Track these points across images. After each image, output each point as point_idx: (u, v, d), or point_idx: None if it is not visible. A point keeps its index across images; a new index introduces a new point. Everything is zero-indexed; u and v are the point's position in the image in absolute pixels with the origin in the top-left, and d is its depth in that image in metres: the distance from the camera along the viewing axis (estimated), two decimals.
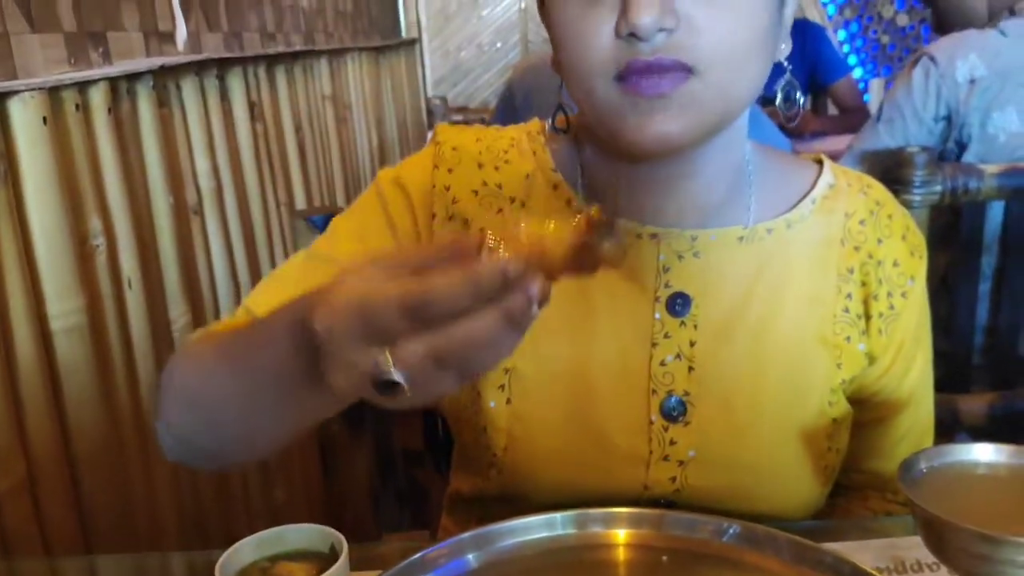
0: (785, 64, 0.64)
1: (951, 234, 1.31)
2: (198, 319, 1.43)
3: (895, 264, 0.69)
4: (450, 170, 0.69)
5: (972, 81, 1.35)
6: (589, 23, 0.56)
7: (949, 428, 1.27)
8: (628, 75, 0.55)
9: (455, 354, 0.38)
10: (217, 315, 1.52)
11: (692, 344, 0.66)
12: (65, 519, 1.06)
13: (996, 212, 1.34)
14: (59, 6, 1.13)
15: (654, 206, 0.66)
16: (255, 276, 1.70)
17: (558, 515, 0.61)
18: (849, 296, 0.68)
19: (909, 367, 0.72)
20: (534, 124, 0.72)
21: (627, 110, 0.56)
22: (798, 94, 0.68)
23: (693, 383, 0.66)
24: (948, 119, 1.38)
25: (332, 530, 0.56)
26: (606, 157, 0.66)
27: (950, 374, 1.31)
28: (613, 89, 0.56)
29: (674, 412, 0.66)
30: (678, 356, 0.66)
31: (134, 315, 1.22)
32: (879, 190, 0.72)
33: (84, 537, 1.09)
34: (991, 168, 1.17)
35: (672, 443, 0.66)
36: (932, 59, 1.39)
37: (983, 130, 1.36)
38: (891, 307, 0.69)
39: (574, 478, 0.67)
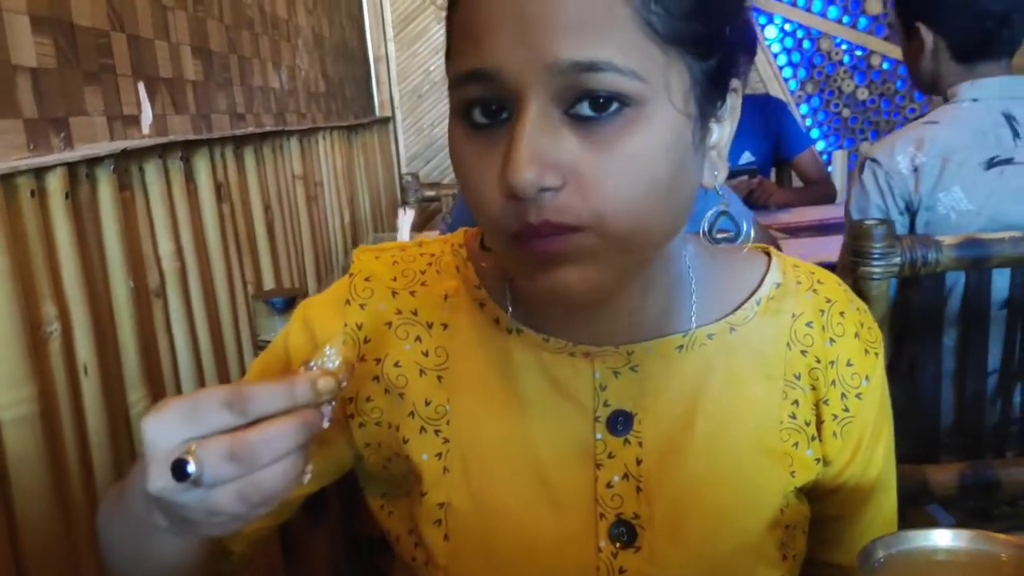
0: (719, 193, 0.59)
1: (914, 309, 1.32)
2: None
3: (848, 364, 0.66)
4: (362, 305, 0.66)
5: (915, 169, 1.40)
6: (482, 172, 0.52)
7: (919, 499, 1.26)
8: (520, 236, 0.51)
9: (249, 449, 0.44)
10: None
11: (639, 462, 0.62)
12: None
13: (953, 282, 1.36)
14: (19, 92, 1.13)
15: (586, 326, 0.62)
16: (219, 358, 1.68)
17: None
18: (796, 403, 0.65)
19: (869, 462, 0.69)
20: (458, 236, 0.69)
21: (528, 266, 0.53)
22: (744, 224, 0.63)
23: (643, 505, 0.62)
24: (908, 210, 1.43)
25: None
26: None
27: (919, 446, 1.30)
28: (511, 246, 0.53)
29: (623, 538, 0.62)
30: (625, 476, 0.62)
31: (90, 403, 1.19)
32: (831, 287, 0.68)
33: None
34: (948, 239, 1.19)
35: (622, 572, 0.62)
36: (874, 160, 1.46)
37: (936, 212, 1.40)
38: (845, 409, 0.66)
39: None
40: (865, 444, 0.68)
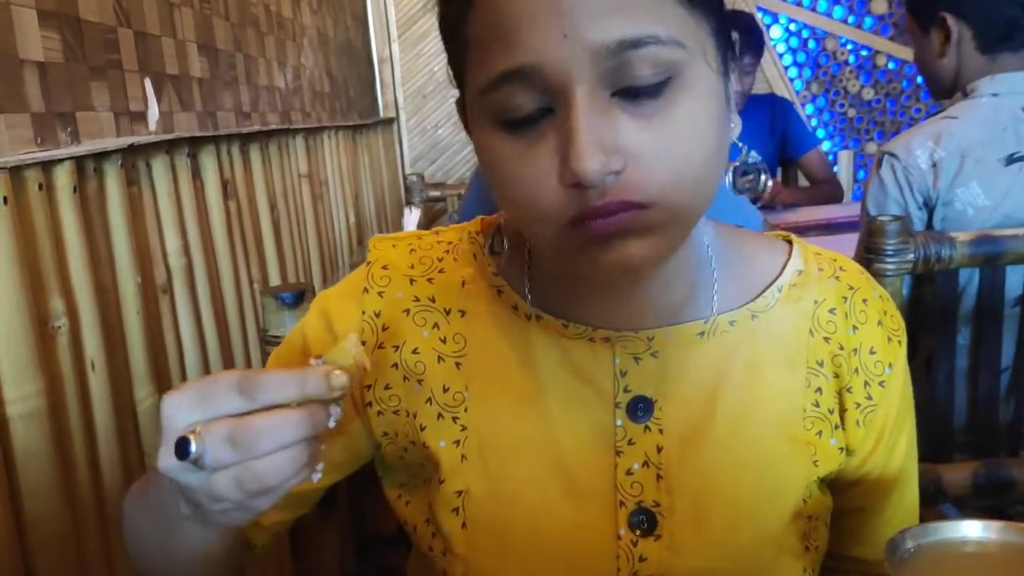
0: (739, 144, 0.61)
1: (927, 305, 1.31)
2: None
3: (871, 352, 0.65)
4: (380, 293, 0.66)
5: (934, 164, 1.39)
6: (529, 169, 0.51)
7: (933, 498, 1.25)
8: (579, 219, 0.51)
9: (249, 435, 0.44)
10: None
11: (659, 450, 0.62)
12: None
13: (967, 279, 1.35)
14: (26, 86, 1.13)
15: (607, 312, 0.62)
16: (226, 354, 1.67)
17: None
18: (819, 391, 0.64)
19: (892, 452, 0.68)
20: (475, 224, 0.69)
21: (581, 247, 0.52)
22: (761, 175, 0.65)
23: (663, 492, 0.62)
24: (926, 205, 1.42)
25: None
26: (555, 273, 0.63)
27: (933, 445, 1.29)
28: (565, 231, 0.52)
29: (644, 526, 0.61)
30: (645, 464, 0.62)
31: (97, 398, 1.18)
32: (853, 274, 0.67)
33: None
34: (962, 236, 1.18)
35: (642, 559, 0.61)
36: (893, 155, 1.44)
37: (952, 208, 1.39)
38: (868, 397, 0.65)
39: None
40: (888, 433, 0.67)
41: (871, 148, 3.86)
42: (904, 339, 0.68)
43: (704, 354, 0.63)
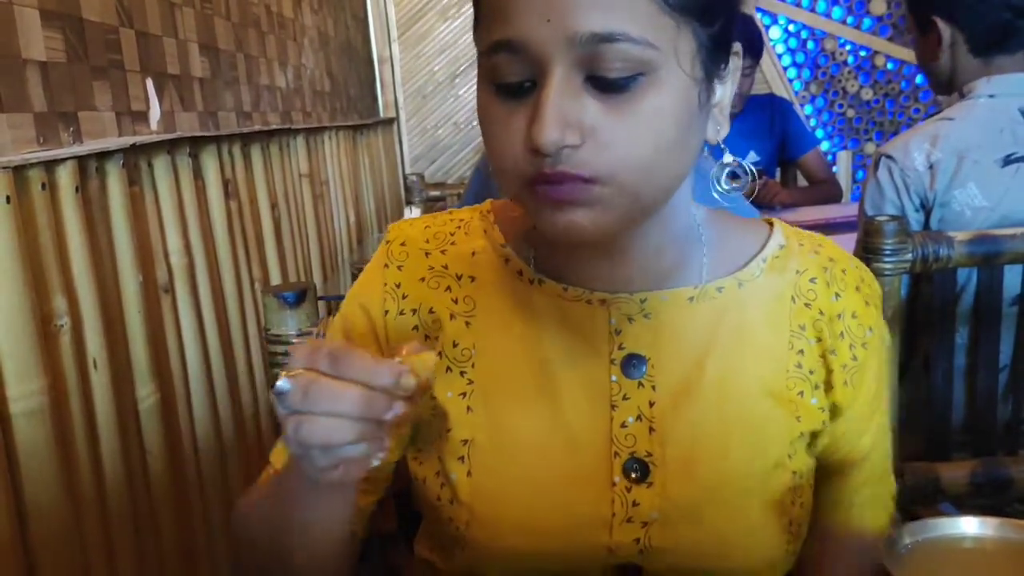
0: (722, 146, 0.65)
1: (926, 305, 1.32)
2: (167, 399, 1.40)
3: (853, 316, 0.71)
4: (400, 267, 0.73)
5: (931, 166, 1.40)
6: (507, 130, 0.58)
7: (931, 497, 1.25)
8: (535, 183, 0.57)
9: (314, 392, 0.50)
10: (188, 394, 1.49)
11: (651, 404, 0.67)
12: None
13: (965, 279, 1.35)
14: (28, 86, 1.13)
15: (602, 274, 0.68)
16: (227, 354, 1.67)
17: None
18: (801, 352, 0.69)
19: (876, 410, 0.74)
20: (487, 204, 0.76)
21: (539, 208, 0.59)
22: (752, 169, 0.68)
23: (655, 444, 0.67)
24: (923, 207, 1.42)
25: None
26: None
27: (931, 443, 1.30)
28: (526, 190, 0.59)
29: (636, 474, 0.66)
30: (638, 417, 0.67)
31: (99, 396, 1.19)
32: (831, 248, 0.74)
33: None
34: (960, 235, 1.18)
35: (635, 504, 0.66)
36: (890, 157, 1.44)
37: (950, 209, 1.40)
38: (854, 358, 0.70)
39: (537, 546, 0.66)
40: (873, 392, 0.72)
41: (870, 148, 3.87)
42: (880, 304, 0.73)
43: (694, 317, 0.68)
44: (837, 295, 0.70)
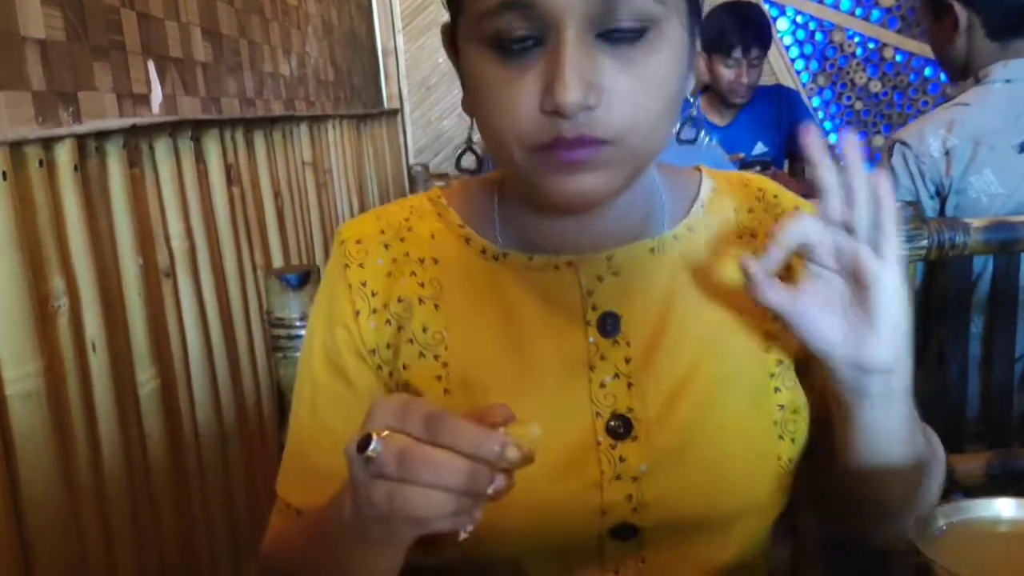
0: (691, 100, 0.67)
1: (941, 293, 1.30)
2: (167, 384, 1.38)
3: None
4: (361, 264, 0.71)
5: (947, 152, 1.37)
6: (514, 93, 0.57)
7: (946, 489, 1.23)
8: (551, 148, 0.57)
9: (416, 460, 0.46)
10: (188, 379, 1.47)
11: (627, 361, 0.67)
12: None
13: (981, 266, 1.33)
14: (27, 64, 1.11)
15: (570, 238, 0.68)
16: (228, 339, 1.65)
17: None
18: None
19: None
20: (434, 191, 0.75)
21: (546, 172, 0.59)
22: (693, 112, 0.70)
23: (634, 399, 0.67)
24: (938, 194, 1.40)
25: None
26: (524, 202, 0.69)
27: (946, 435, 1.27)
28: (536, 155, 0.58)
29: (620, 430, 0.66)
30: (616, 376, 0.67)
31: (98, 379, 1.17)
32: (757, 179, 0.75)
33: None
34: (977, 222, 1.16)
35: (622, 460, 0.66)
36: (904, 143, 1.42)
37: (966, 196, 1.37)
38: None
39: (532, 520, 0.65)
40: None
41: (878, 141, 3.83)
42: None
43: (657, 268, 0.69)
44: (777, 219, 0.71)
